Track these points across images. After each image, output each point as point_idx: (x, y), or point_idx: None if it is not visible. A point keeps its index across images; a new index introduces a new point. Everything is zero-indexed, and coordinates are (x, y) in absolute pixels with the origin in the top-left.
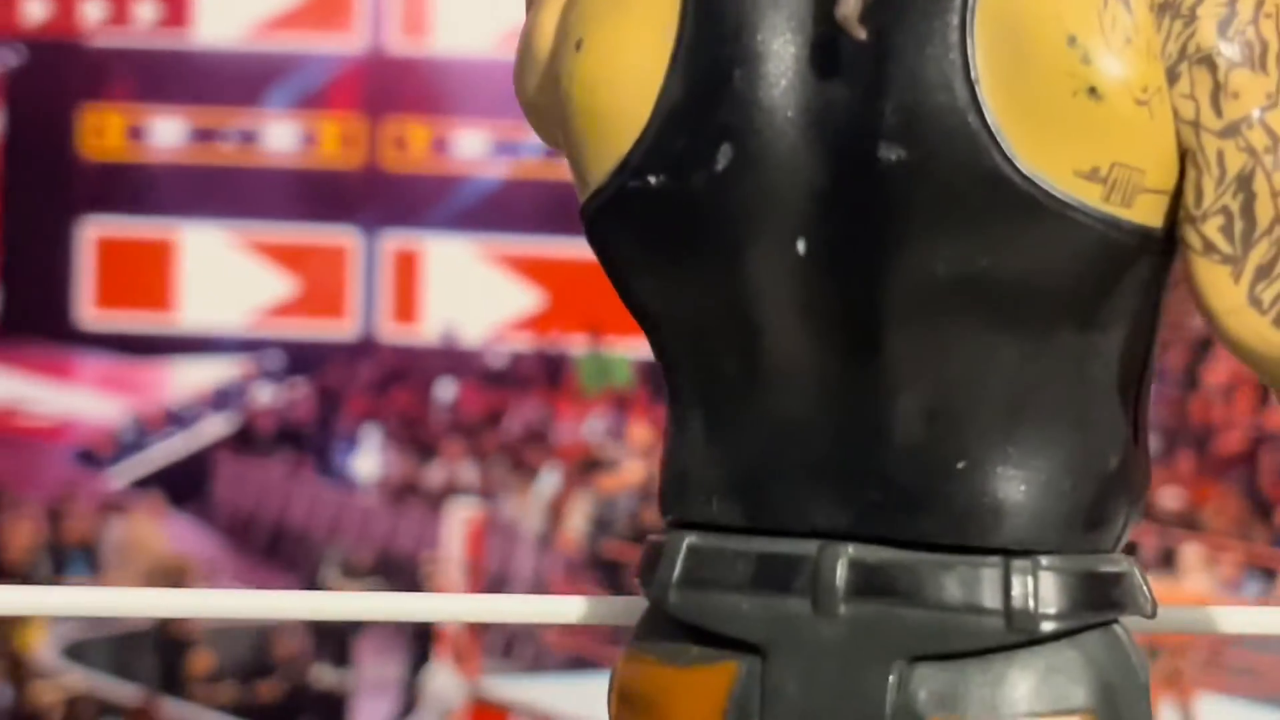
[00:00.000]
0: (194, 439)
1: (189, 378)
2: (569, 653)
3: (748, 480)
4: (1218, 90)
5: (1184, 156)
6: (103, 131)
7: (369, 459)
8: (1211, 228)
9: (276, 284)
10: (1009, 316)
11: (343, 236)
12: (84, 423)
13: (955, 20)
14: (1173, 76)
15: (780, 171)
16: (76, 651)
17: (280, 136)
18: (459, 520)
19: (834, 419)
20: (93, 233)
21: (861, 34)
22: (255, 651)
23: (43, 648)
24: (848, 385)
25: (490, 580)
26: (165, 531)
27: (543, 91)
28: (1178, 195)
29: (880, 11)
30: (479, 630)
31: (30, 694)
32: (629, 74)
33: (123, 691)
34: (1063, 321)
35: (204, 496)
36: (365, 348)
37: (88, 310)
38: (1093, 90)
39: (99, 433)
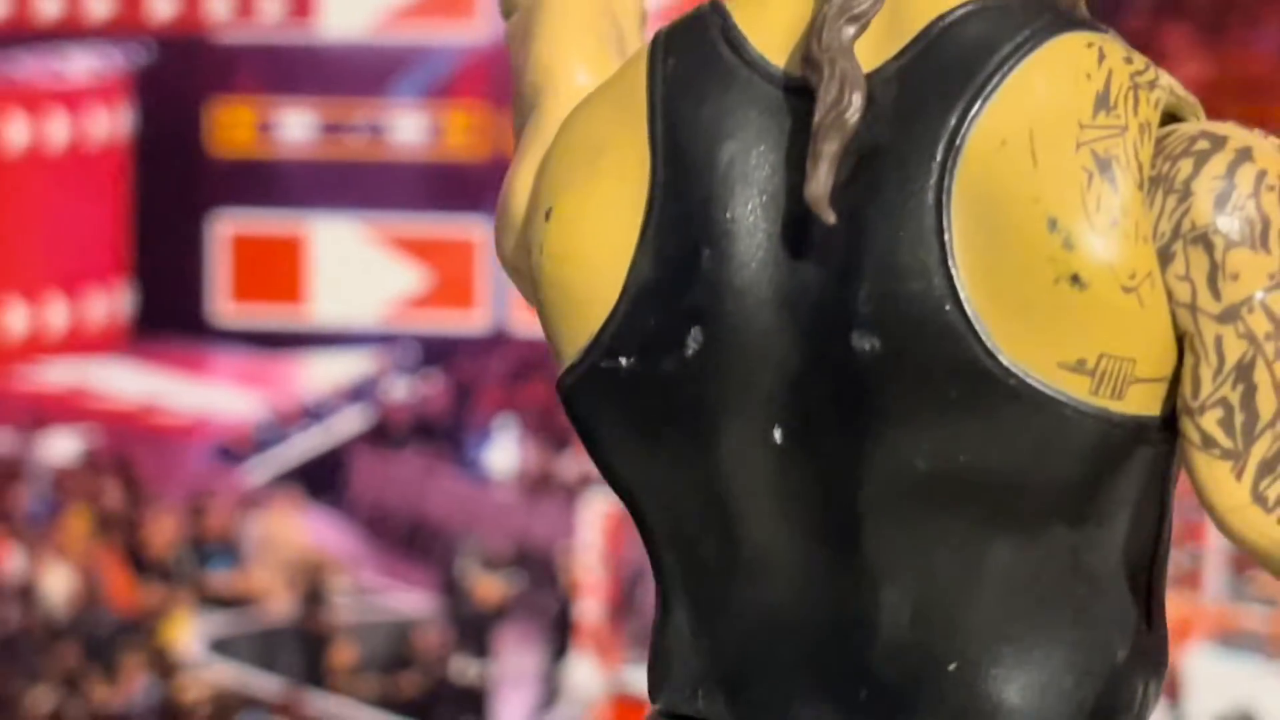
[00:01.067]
0: (330, 433)
1: (323, 372)
2: None
3: (731, 673)
4: (1215, 271)
5: (1181, 340)
6: (232, 126)
7: (504, 451)
8: (1210, 420)
9: (408, 276)
10: (996, 513)
11: (472, 227)
12: (221, 419)
13: (931, 200)
14: (1167, 256)
15: (753, 356)
16: (221, 646)
17: (408, 128)
18: (596, 512)
19: (818, 613)
20: (225, 228)
21: (831, 217)
22: (395, 644)
23: (188, 642)
24: (831, 578)
25: (629, 572)
26: (304, 525)
27: (518, 255)
28: (1177, 381)
29: (853, 190)
30: (619, 621)
31: (176, 688)
32: (598, 248)
33: (267, 685)
34: (1055, 517)
35: (341, 490)
36: (497, 339)
37: (222, 306)
38: (1076, 278)
39: (236, 428)
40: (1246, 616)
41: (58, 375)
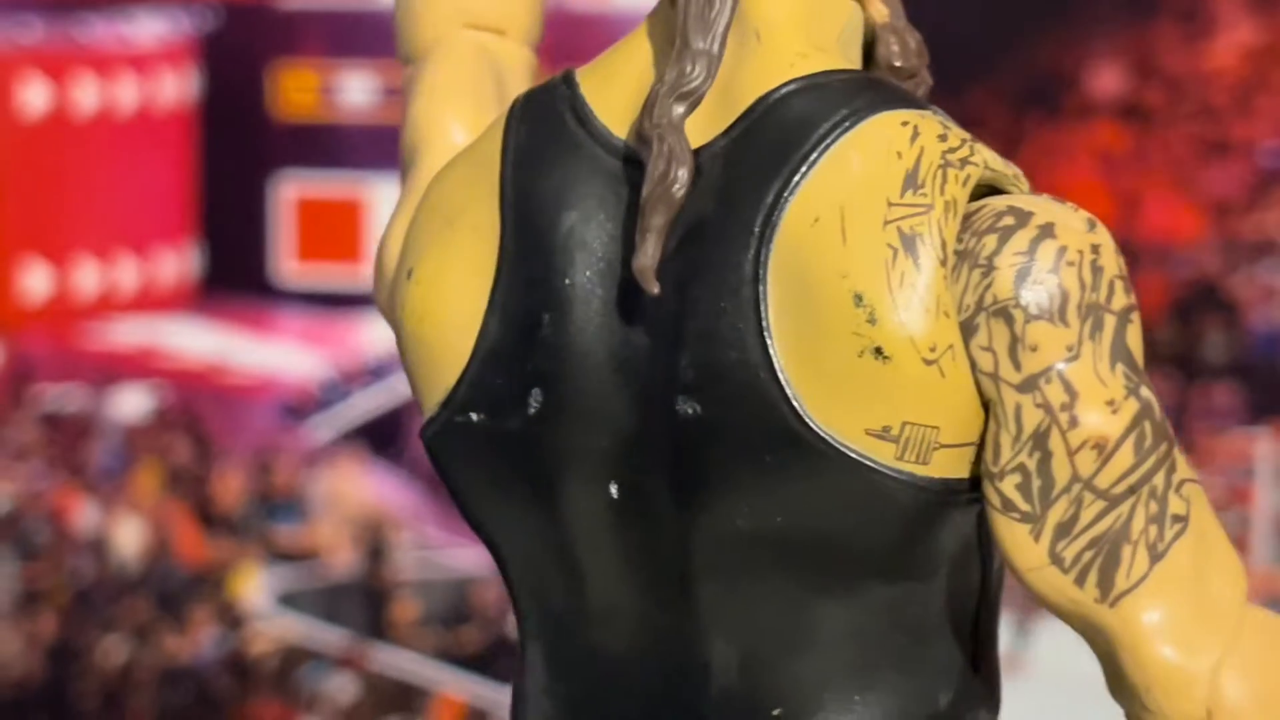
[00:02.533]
0: (392, 392)
1: (385, 331)
2: None
3: (578, 716)
4: (1016, 343)
5: (988, 407)
6: (295, 90)
7: None
8: (1009, 485)
9: None
10: (815, 571)
11: None
12: (286, 377)
13: (748, 273)
14: (971, 328)
15: (590, 417)
16: (287, 599)
17: None
18: None
19: (657, 661)
20: (288, 190)
21: (654, 288)
22: (455, 600)
23: (255, 596)
24: (667, 629)
25: None
26: (367, 482)
27: (388, 309)
28: (984, 446)
29: (680, 261)
30: None
31: (244, 640)
32: (453, 310)
33: (331, 638)
34: (872, 575)
35: (403, 448)
36: None
37: (286, 266)
38: (879, 351)
39: (300, 387)
40: None
41: (128, 333)
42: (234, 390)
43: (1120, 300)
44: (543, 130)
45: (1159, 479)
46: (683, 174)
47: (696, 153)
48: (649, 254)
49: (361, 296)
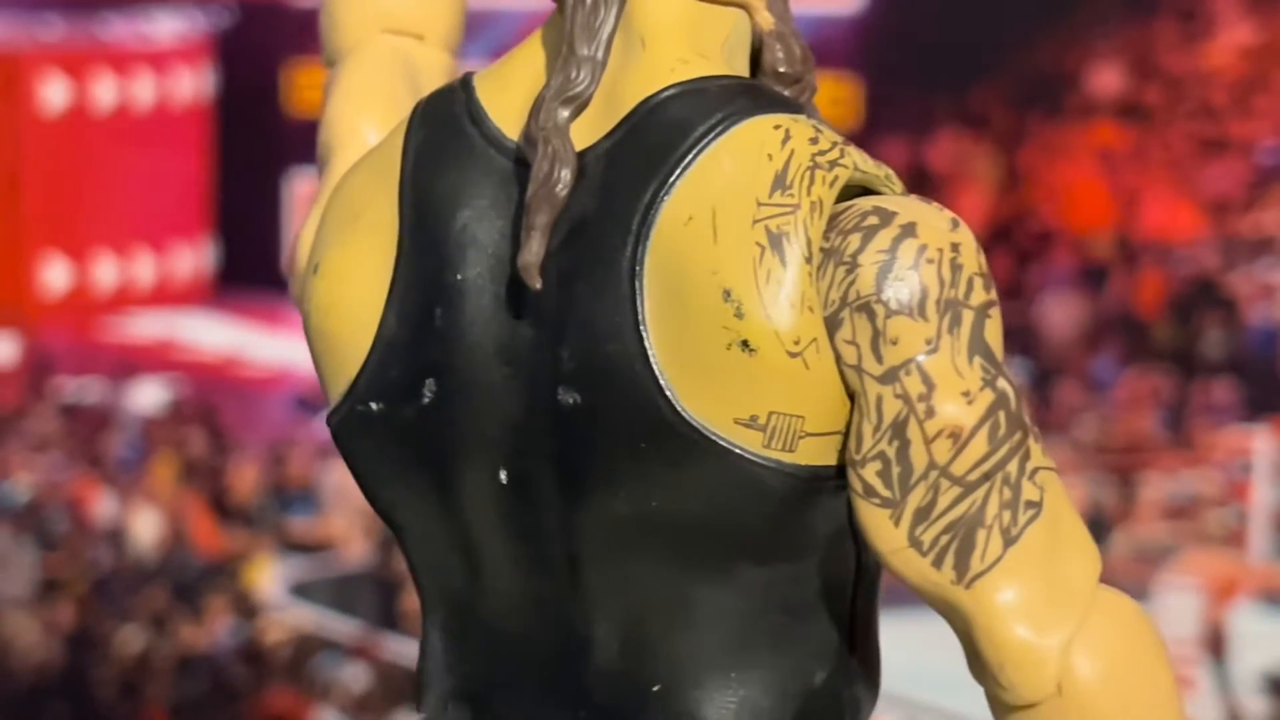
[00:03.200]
0: None
1: None
2: None
3: (475, 691)
4: (877, 337)
5: (853, 398)
6: (310, 88)
7: None
8: (870, 472)
9: None
10: (688, 553)
11: None
12: (300, 370)
13: (626, 269)
14: (835, 323)
15: (480, 406)
16: (301, 590)
17: None
18: None
19: (547, 639)
20: (302, 186)
21: (537, 283)
22: None
23: (270, 586)
24: (555, 609)
25: None
26: None
27: (298, 301)
28: (848, 435)
29: (564, 257)
30: None
31: (259, 629)
32: (354, 303)
33: (344, 628)
34: (745, 556)
35: None
36: None
37: None
38: (745, 344)
39: (314, 380)
40: None
41: (146, 327)
42: (249, 383)
43: (979, 296)
44: (440, 133)
45: (1013, 466)
46: (565, 175)
47: (582, 154)
48: (533, 251)
49: None
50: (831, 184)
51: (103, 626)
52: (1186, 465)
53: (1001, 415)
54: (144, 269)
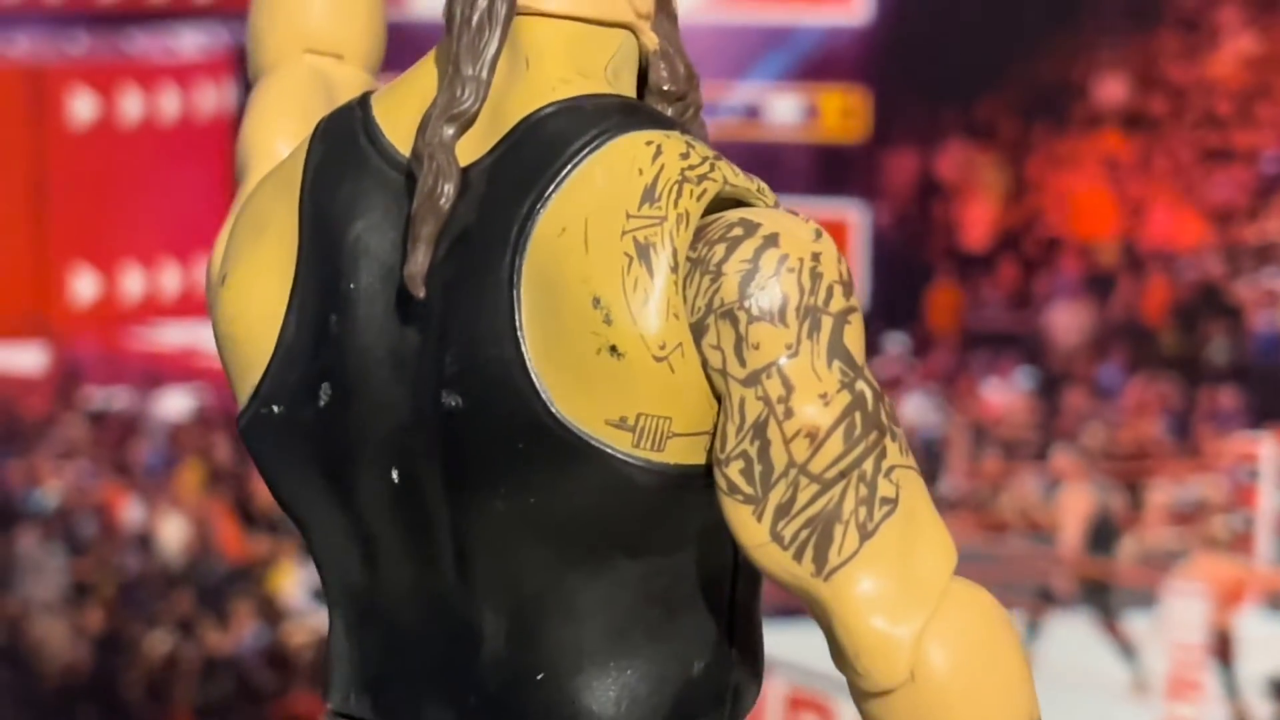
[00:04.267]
0: None
1: None
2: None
3: (374, 679)
4: (740, 342)
5: (720, 400)
6: None
7: None
8: (734, 470)
9: None
10: (566, 547)
11: None
12: None
13: (505, 277)
14: (701, 329)
15: (372, 408)
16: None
17: None
18: None
19: (438, 630)
20: None
21: (420, 292)
22: None
23: (293, 591)
24: (446, 601)
25: None
26: None
27: (210, 310)
28: (714, 435)
29: (449, 266)
30: None
31: (283, 633)
32: (259, 311)
33: None
34: (617, 551)
35: None
36: None
37: None
38: (614, 349)
39: None
40: None
41: (171, 336)
42: None
43: (839, 303)
44: (338, 148)
45: (868, 465)
46: (448, 189)
47: (466, 169)
48: (417, 262)
49: None
50: (699, 197)
51: (130, 630)
52: (1193, 471)
53: (858, 415)
54: (170, 280)
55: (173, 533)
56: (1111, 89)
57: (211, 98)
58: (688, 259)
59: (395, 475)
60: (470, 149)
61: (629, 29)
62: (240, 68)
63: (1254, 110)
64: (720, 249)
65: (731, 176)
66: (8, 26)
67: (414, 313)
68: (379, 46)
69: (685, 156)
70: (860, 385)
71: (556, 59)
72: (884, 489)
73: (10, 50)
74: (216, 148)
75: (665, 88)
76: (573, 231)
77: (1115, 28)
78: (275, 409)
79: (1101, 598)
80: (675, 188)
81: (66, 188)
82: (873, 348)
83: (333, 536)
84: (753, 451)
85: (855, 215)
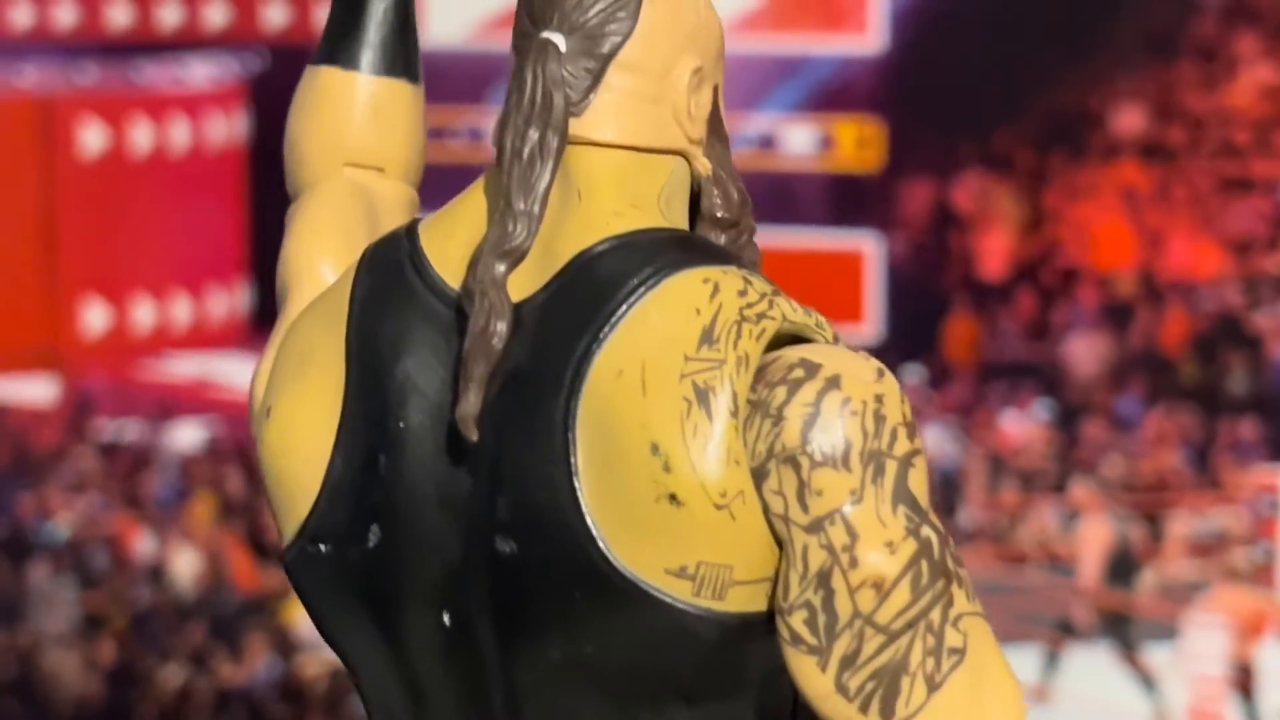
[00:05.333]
0: None
1: None
2: None
3: None
4: (803, 488)
5: (782, 546)
6: None
7: None
8: (797, 620)
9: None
10: (622, 695)
11: None
12: None
13: (559, 420)
14: (762, 474)
15: (422, 549)
16: None
17: None
18: None
19: None
20: None
21: (473, 435)
22: None
23: (307, 623)
24: None
25: None
26: None
27: (254, 441)
28: (777, 582)
29: (501, 407)
30: None
31: (297, 666)
32: (304, 446)
33: None
34: (673, 698)
35: None
36: None
37: None
38: (673, 497)
39: None
40: None
41: (183, 368)
42: None
43: (902, 446)
44: (385, 280)
45: (935, 614)
46: (501, 328)
47: (518, 306)
48: (470, 403)
49: None
50: (758, 337)
51: (143, 663)
52: (1213, 503)
53: (924, 564)
54: (181, 311)
55: (185, 565)
56: (1129, 119)
57: (222, 128)
58: (748, 402)
59: (446, 619)
60: (522, 284)
61: (681, 155)
62: (248, 97)
63: (1272, 140)
64: (781, 392)
65: (790, 313)
66: (17, 57)
67: (465, 454)
68: (420, 159)
69: (743, 294)
70: (926, 531)
71: (609, 190)
72: (951, 639)
73: (19, 81)
74: (227, 178)
75: (718, 215)
76: (630, 374)
77: (1133, 58)
78: (322, 547)
79: (1121, 630)
80: (734, 328)
81: (76, 219)
82: None
83: (380, 676)
84: (817, 601)
85: (871, 246)
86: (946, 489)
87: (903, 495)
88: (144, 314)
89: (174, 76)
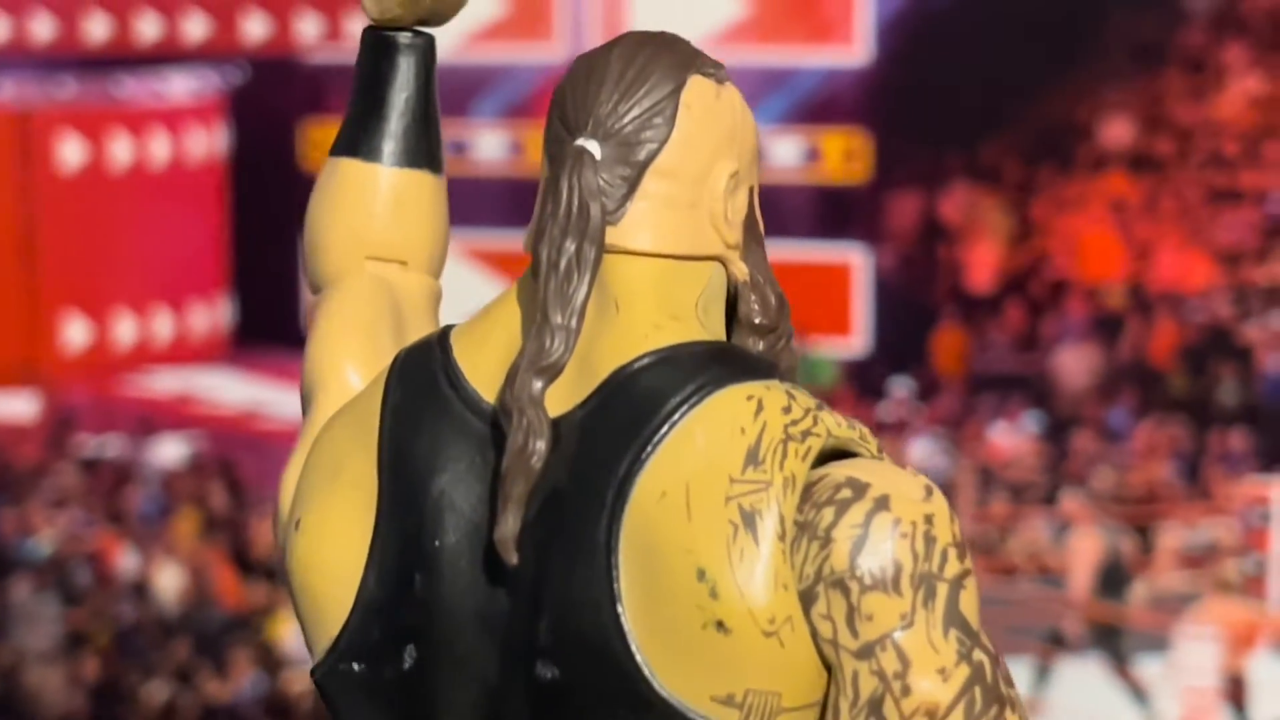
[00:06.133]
0: None
1: None
2: None
3: None
4: (852, 612)
5: (830, 670)
6: (323, 145)
7: None
8: None
9: (491, 290)
10: None
11: None
12: None
13: (601, 542)
14: (810, 597)
15: (460, 673)
16: None
17: (489, 146)
18: None
19: None
20: None
21: (513, 558)
22: None
23: (292, 639)
24: None
25: None
26: None
27: (280, 551)
28: (826, 707)
29: (540, 527)
30: None
31: (283, 682)
32: (335, 561)
33: None
34: None
35: None
36: None
37: None
38: (720, 624)
39: None
40: None
41: (164, 383)
42: (267, 437)
43: (953, 568)
44: (418, 391)
45: None
46: (540, 446)
47: (556, 422)
48: (509, 525)
49: None
50: (804, 456)
51: (127, 680)
52: (1204, 514)
53: (978, 690)
54: (162, 326)
55: (168, 581)
56: (1117, 130)
57: (202, 142)
58: (795, 524)
59: None
60: (559, 398)
61: (718, 260)
62: (228, 111)
63: (1261, 151)
64: (829, 513)
65: (835, 428)
66: None
67: (504, 575)
68: (443, 250)
69: (787, 410)
70: (978, 654)
71: (646, 301)
72: None
73: None
74: (207, 192)
75: (756, 321)
76: (674, 497)
77: (1120, 69)
78: (355, 666)
79: (1112, 642)
80: (779, 448)
81: (56, 233)
82: (878, 391)
83: None
84: None
85: (858, 258)
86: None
87: (954, 619)
88: (125, 329)
89: (153, 90)
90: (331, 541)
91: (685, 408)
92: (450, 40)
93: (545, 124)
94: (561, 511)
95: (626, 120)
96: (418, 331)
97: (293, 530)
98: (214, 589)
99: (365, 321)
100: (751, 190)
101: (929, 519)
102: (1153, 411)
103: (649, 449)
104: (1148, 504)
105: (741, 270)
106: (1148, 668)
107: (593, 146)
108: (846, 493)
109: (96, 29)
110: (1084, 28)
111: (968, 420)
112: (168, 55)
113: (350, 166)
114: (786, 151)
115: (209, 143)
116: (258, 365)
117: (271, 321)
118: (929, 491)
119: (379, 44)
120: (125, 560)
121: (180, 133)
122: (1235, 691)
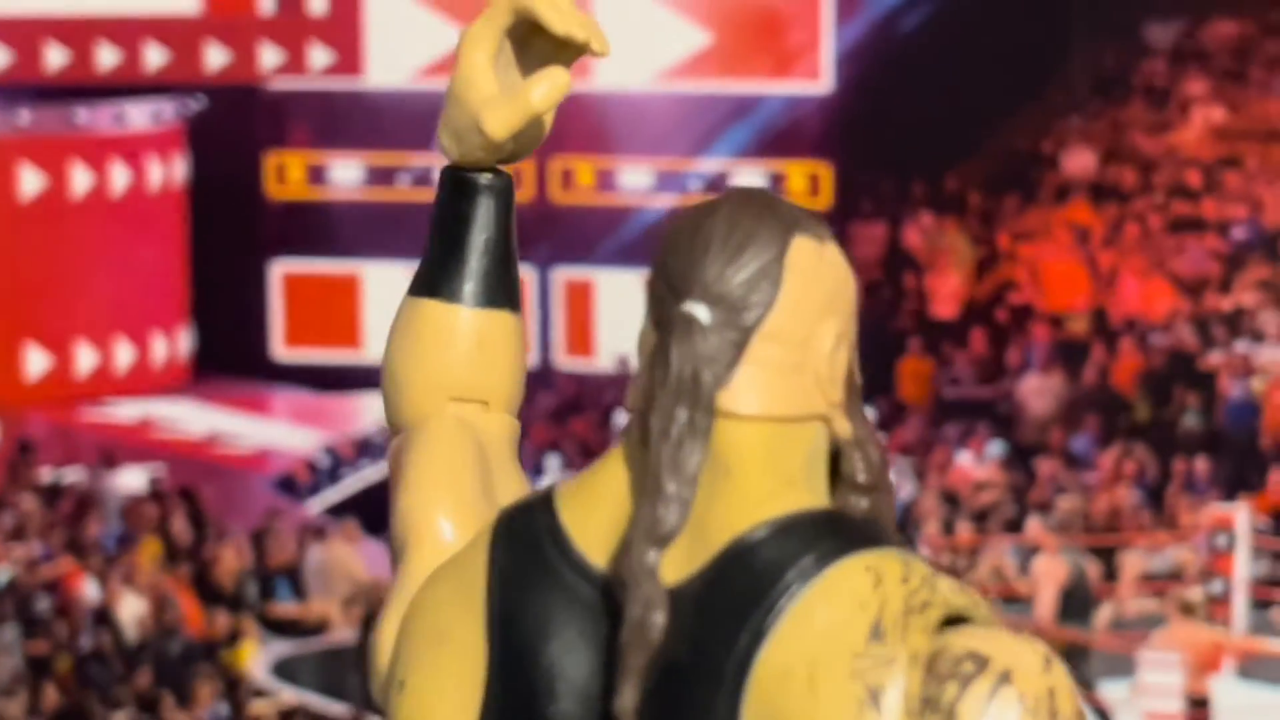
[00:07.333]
0: (384, 468)
1: (378, 409)
2: None
3: None
4: None
5: None
6: (285, 173)
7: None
8: None
9: None
10: None
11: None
12: (281, 453)
13: (723, 717)
14: None
15: None
16: (285, 670)
17: None
18: None
19: None
20: (280, 272)
21: None
22: None
23: (255, 667)
24: None
25: None
26: (362, 556)
27: (381, 706)
28: None
29: (658, 700)
30: None
31: (246, 712)
32: None
33: (330, 708)
34: None
35: None
36: (544, 378)
37: (279, 347)
38: None
39: (296, 463)
40: (1271, 646)
41: (125, 412)
42: (230, 464)
43: None
44: (523, 554)
45: None
46: (658, 618)
47: (672, 592)
48: (628, 698)
49: (355, 373)
50: (927, 629)
51: (89, 709)
52: (1168, 540)
53: None
54: (121, 355)
55: (130, 610)
56: (1080, 160)
57: (161, 171)
58: (920, 698)
59: None
60: (672, 565)
61: (822, 419)
62: (188, 140)
63: (1223, 180)
64: (952, 688)
65: (951, 596)
66: None
67: None
68: (521, 389)
69: (905, 581)
70: None
71: (758, 467)
72: None
73: None
74: (166, 221)
75: (860, 480)
76: (797, 673)
77: (1083, 99)
78: None
79: (1077, 666)
80: (902, 621)
81: (14, 263)
82: None
83: None
84: None
85: None
86: (901, 528)
87: None
88: (84, 358)
89: (112, 118)
90: (439, 705)
91: (804, 579)
92: (411, 71)
93: (648, 282)
94: (680, 686)
95: (734, 284)
96: (503, 474)
97: (398, 691)
98: (176, 618)
99: (454, 470)
100: (851, 345)
101: (1052, 693)
102: (1117, 438)
103: (769, 624)
104: (1112, 529)
105: (845, 428)
106: (1112, 691)
107: (701, 311)
108: (969, 666)
109: (54, 57)
110: (1047, 59)
111: (933, 447)
112: (127, 83)
113: (431, 308)
114: (750, 182)
115: (168, 172)
116: (218, 395)
117: (231, 351)
118: (1048, 662)
119: (460, 185)
120: (86, 589)
121: (139, 162)
122: (1199, 715)
